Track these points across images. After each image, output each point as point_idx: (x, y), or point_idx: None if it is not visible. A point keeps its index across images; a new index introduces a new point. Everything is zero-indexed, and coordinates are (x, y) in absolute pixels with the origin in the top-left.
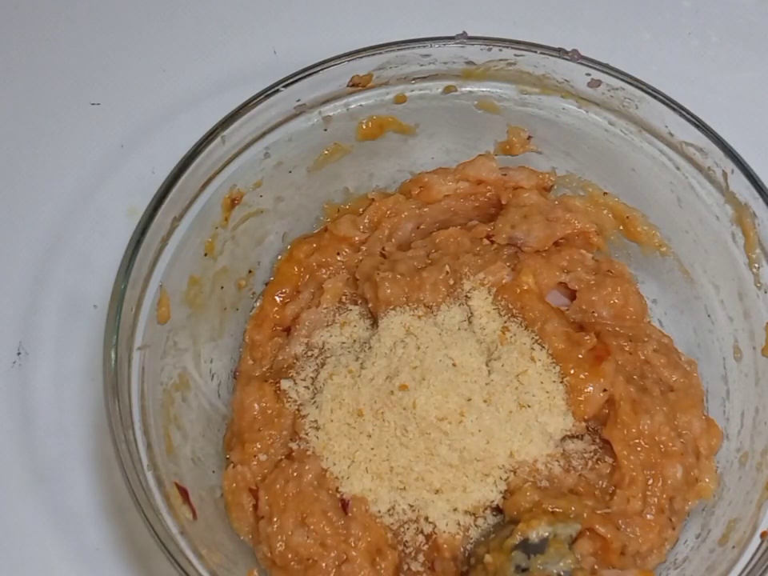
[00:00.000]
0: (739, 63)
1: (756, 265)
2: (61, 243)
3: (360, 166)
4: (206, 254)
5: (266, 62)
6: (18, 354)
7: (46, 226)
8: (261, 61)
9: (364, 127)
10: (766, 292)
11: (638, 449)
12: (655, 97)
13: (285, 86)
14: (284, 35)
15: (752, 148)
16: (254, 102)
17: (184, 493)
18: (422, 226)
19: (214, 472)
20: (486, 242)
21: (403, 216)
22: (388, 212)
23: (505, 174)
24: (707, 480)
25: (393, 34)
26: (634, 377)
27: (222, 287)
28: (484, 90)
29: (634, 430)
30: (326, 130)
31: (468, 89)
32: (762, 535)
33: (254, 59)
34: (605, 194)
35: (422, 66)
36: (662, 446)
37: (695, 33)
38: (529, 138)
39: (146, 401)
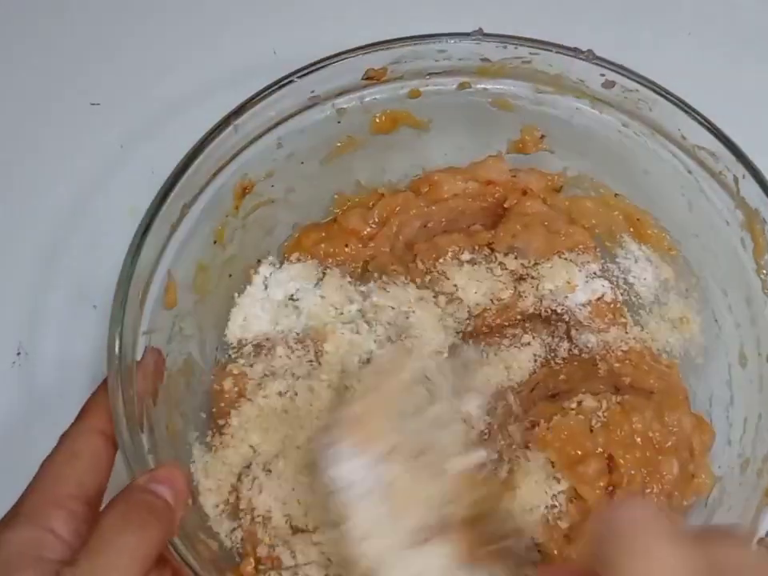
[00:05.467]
0: (739, 63)
1: (764, 271)
2: (60, 243)
3: (373, 159)
4: (215, 242)
5: (266, 62)
6: (18, 354)
7: (45, 226)
8: (261, 61)
9: (378, 121)
10: None
11: (633, 447)
12: (669, 99)
13: (299, 77)
14: (284, 35)
15: (751, 148)
16: (268, 91)
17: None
18: (429, 224)
19: None
20: (486, 250)
21: (412, 213)
22: (397, 208)
23: (514, 176)
24: (703, 476)
25: (393, 35)
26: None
27: (231, 275)
28: (498, 87)
29: (626, 428)
30: (339, 122)
31: (482, 86)
32: (759, 542)
33: (254, 59)
34: (616, 195)
35: (437, 61)
36: (655, 444)
37: (695, 33)
38: (542, 137)
39: None
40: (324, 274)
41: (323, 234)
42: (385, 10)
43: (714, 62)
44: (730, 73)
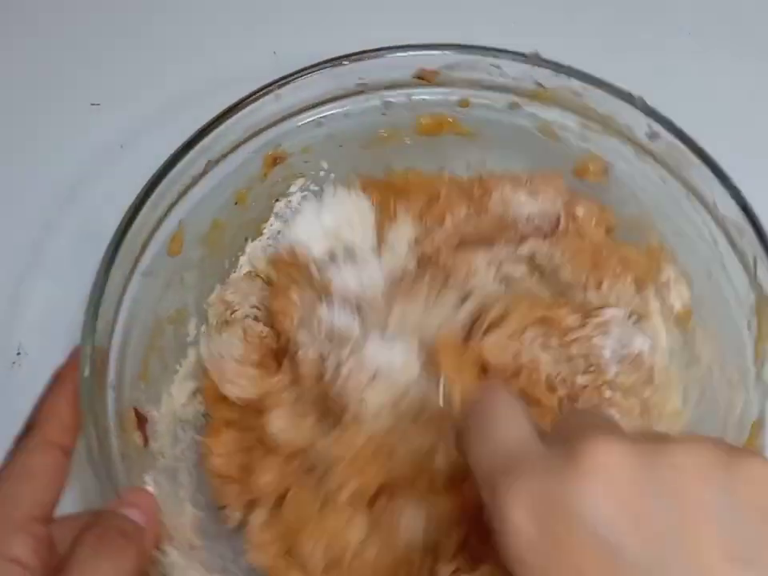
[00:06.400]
0: (739, 63)
1: (761, 359)
2: (59, 243)
3: (413, 156)
4: (236, 203)
5: (266, 62)
6: (18, 354)
7: (45, 226)
8: (260, 61)
9: (423, 122)
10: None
11: None
12: (707, 163)
13: (350, 61)
14: (284, 36)
15: (750, 147)
16: (316, 69)
17: (142, 420)
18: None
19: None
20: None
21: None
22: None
23: (568, 201)
24: None
25: (392, 35)
26: None
27: (247, 238)
28: (548, 115)
29: None
30: (384, 114)
31: (532, 110)
32: None
33: (253, 60)
34: (662, 247)
35: (490, 75)
36: None
37: (695, 33)
38: (606, 168)
39: (134, 325)
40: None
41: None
42: (388, 12)
43: (714, 63)
44: (729, 73)
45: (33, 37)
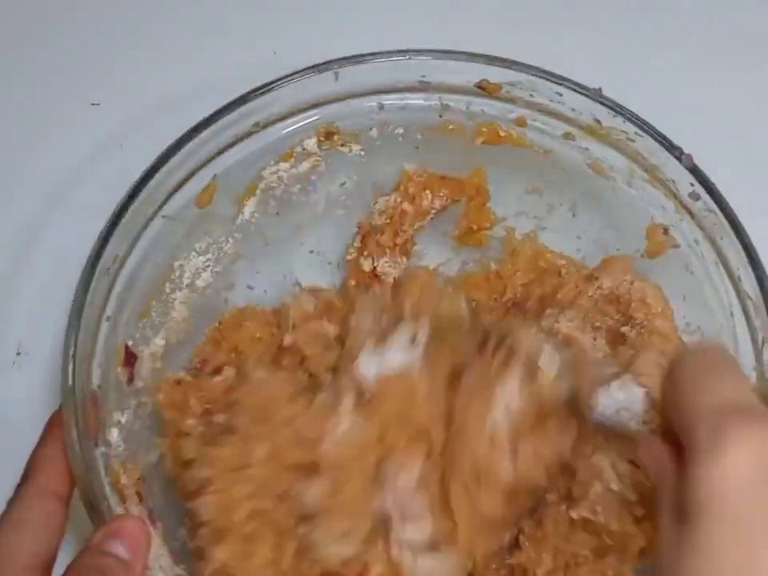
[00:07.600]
0: (739, 63)
1: None
2: (59, 243)
3: (459, 163)
4: None
5: (266, 62)
6: (18, 354)
7: (45, 227)
8: (261, 61)
9: (484, 130)
10: None
11: None
12: (740, 238)
13: (414, 57)
14: (284, 36)
15: (749, 147)
16: (379, 59)
17: (131, 357)
18: None
19: None
20: None
21: None
22: None
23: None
24: None
25: (391, 36)
26: None
27: (278, 213)
28: (599, 154)
29: None
30: (441, 116)
31: (585, 145)
32: None
33: (253, 60)
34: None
35: (551, 101)
36: None
37: (695, 33)
38: (665, 231)
39: (147, 265)
40: None
41: None
42: (391, 18)
43: (714, 62)
44: (729, 73)
45: (33, 37)
